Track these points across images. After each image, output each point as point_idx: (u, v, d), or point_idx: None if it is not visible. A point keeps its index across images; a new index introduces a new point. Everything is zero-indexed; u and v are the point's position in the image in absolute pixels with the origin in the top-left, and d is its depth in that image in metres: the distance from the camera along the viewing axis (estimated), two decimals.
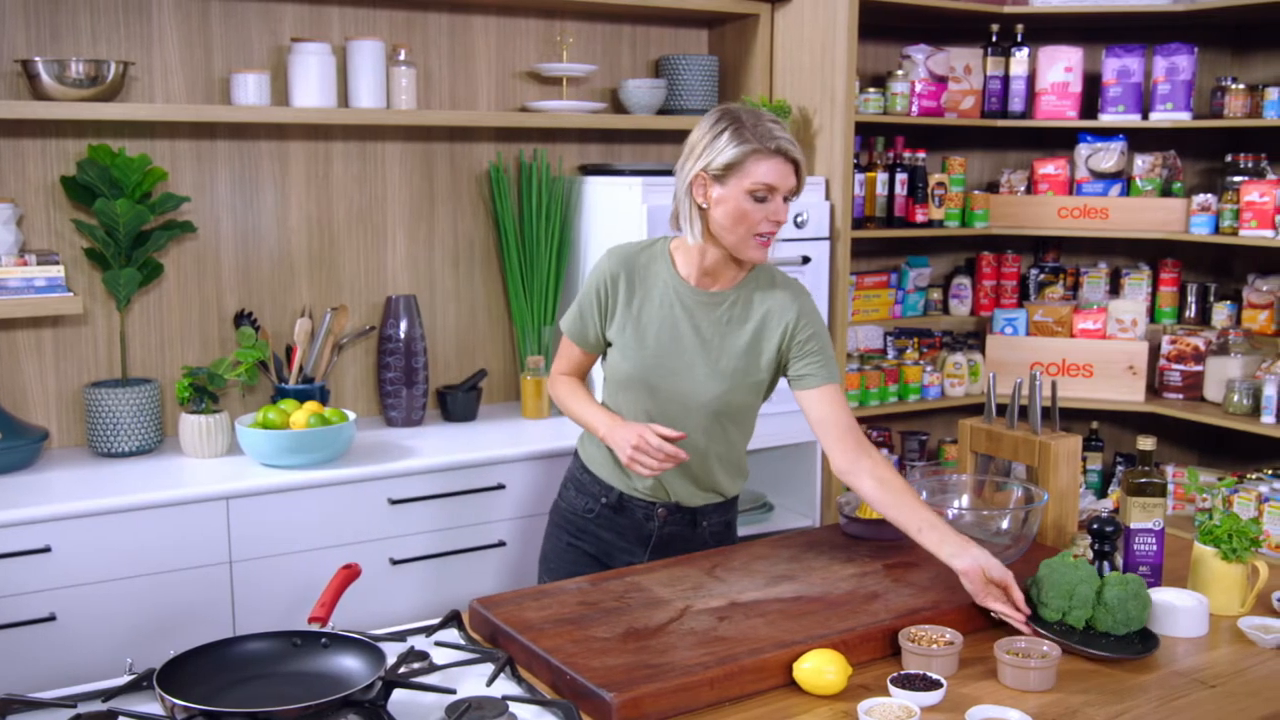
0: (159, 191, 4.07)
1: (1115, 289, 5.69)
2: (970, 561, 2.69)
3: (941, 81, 5.30)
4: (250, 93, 4.08)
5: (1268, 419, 4.82)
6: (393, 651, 2.51)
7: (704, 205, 2.95)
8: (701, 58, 4.91)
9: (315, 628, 2.46)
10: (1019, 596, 2.67)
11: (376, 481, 3.89)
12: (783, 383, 3.15)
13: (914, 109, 5.23)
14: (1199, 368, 5.19)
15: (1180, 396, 5.24)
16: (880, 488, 2.91)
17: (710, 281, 3.08)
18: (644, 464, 2.94)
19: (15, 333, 4.02)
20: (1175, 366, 5.23)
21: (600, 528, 3.24)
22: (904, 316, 5.66)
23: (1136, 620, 2.61)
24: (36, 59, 3.76)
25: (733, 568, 2.96)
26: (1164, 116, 5.30)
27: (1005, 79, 5.42)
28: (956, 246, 5.88)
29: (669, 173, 4.32)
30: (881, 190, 5.17)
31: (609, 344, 3.17)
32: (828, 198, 4.75)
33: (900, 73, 5.20)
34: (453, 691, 2.30)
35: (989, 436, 3.32)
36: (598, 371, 3.32)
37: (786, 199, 2.94)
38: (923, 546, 2.81)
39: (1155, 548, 2.91)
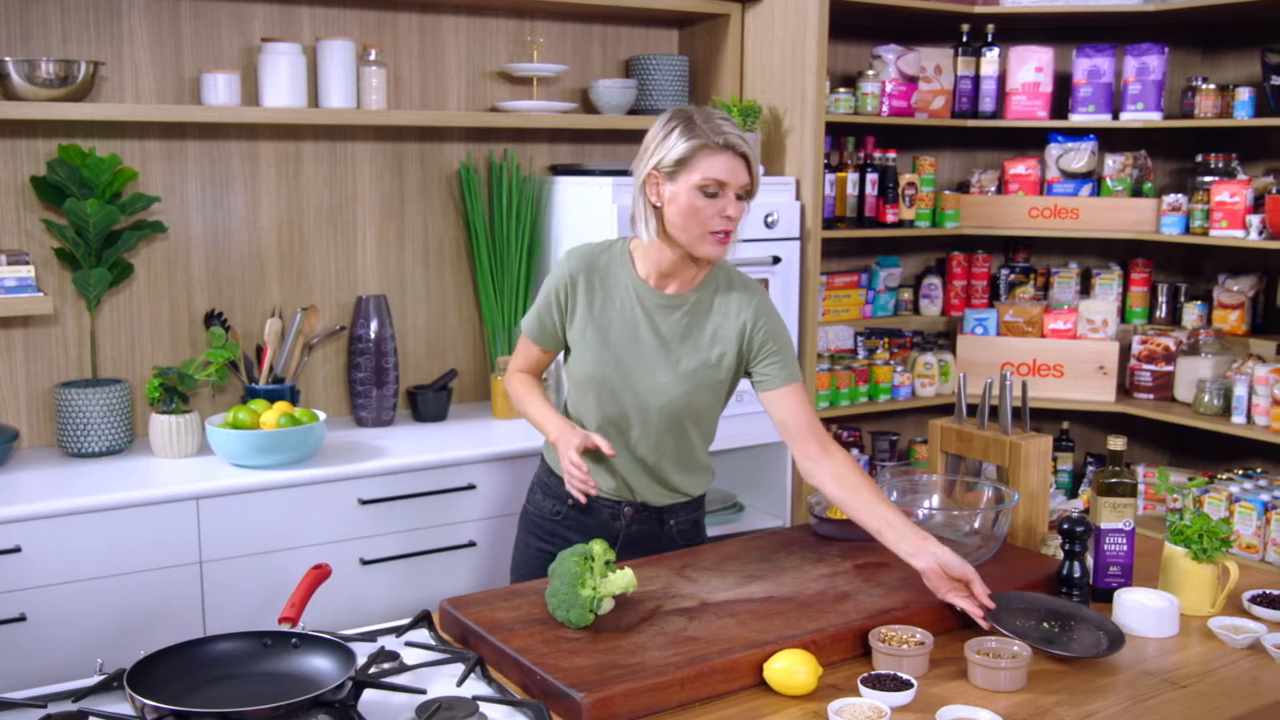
0: (129, 191, 4.05)
1: (1086, 289, 5.71)
2: (929, 559, 2.70)
3: (912, 81, 5.31)
4: (220, 93, 4.07)
5: (1238, 419, 4.84)
6: (363, 652, 2.50)
7: (657, 204, 2.94)
8: (672, 58, 4.91)
9: (285, 628, 2.46)
10: (981, 590, 2.66)
11: (347, 482, 3.88)
12: (746, 382, 3.15)
13: (884, 109, 5.24)
14: (1169, 368, 5.21)
15: (1151, 397, 5.26)
16: (840, 486, 2.92)
17: (669, 283, 3.07)
18: (572, 486, 2.97)
19: None
20: (1146, 366, 5.25)
21: (568, 529, 3.23)
22: (874, 316, 5.67)
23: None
24: (6, 59, 3.74)
25: (703, 568, 2.96)
26: (1134, 116, 5.32)
27: (976, 79, 5.44)
28: (927, 246, 5.90)
29: None
30: (852, 190, 5.18)
31: (568, 346, 3.18)
32: (798, 198, 4.76)
33: (871, 73, 5.21)
34: (423, 692, 2.29)
35: (959, 437, 3.33)
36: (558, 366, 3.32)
37: (741, 196, 2.92)
38: (884, 545, 2.83)
39: (1126, 548, 2.92)
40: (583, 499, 3.00)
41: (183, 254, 4.27)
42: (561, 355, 3.27)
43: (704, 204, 2.88)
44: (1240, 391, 4.82)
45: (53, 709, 2.26)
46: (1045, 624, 2.66)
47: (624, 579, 2.59)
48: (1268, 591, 2.88)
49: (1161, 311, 5.59)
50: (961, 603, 2.66)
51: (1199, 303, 5.41)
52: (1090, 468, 5.69)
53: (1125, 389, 5.36)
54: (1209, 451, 5.46)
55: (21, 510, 3.43)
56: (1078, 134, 5.51)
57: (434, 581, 4.04)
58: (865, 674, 2.42)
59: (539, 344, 3.22)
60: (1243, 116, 4.98)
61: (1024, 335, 5.40)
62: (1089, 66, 5.37)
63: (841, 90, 5.12)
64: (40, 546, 3.44)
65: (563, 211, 4.60)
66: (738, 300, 3.08)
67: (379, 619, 3.71)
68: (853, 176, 5.18)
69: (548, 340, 3.19)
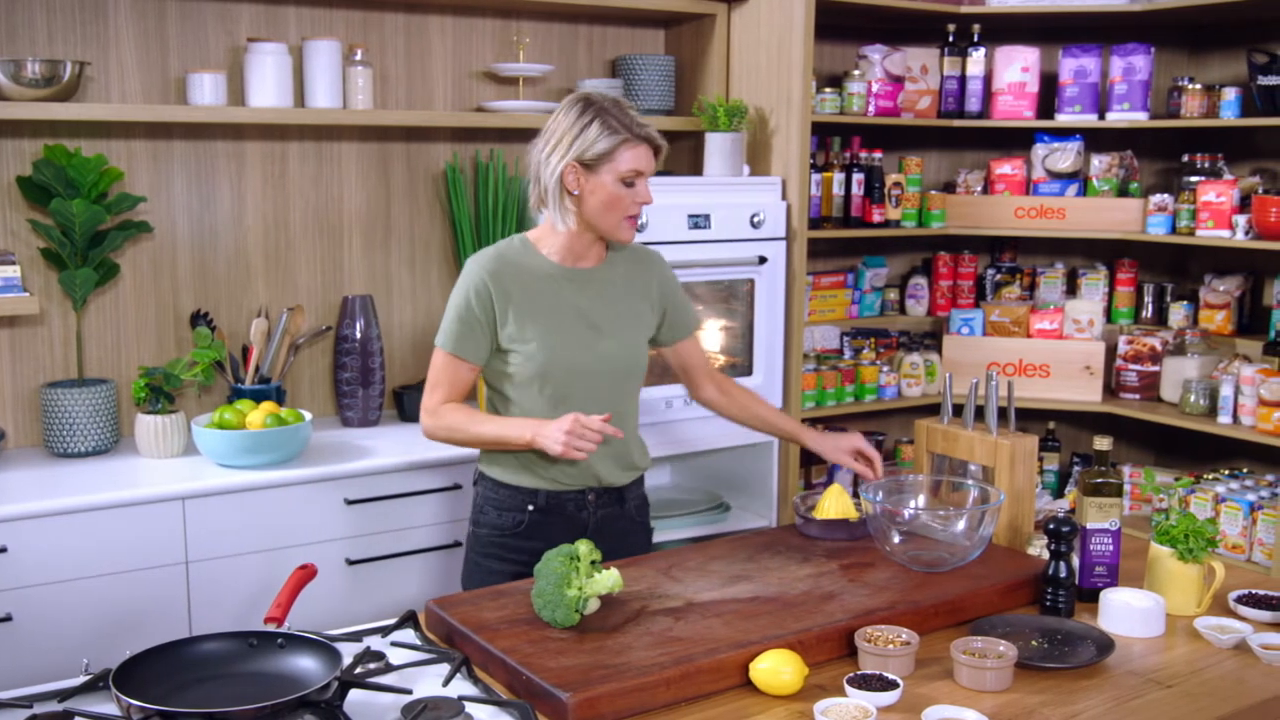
0: (115, 191, 4.04)
1: (1072, 289, 5.72)
2: (830, 445, 3.46)
3: (898, 81, 5.31)
4: (206, 93, 4.06)
5: (1224, 419, 4.84)
6: (349, 652, 2.50)
7: (576, 193, 3.10)
8: (658, 58, 4.91)
9: (271, 628, 2.46)
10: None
11: (333, 482, 3.88)
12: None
13: (870, 109, 5.24)
14: (1155, 368, 5.22)
15: (1137, 397, 5.26)
16: (722, 395, 3.53)
17: (582, 260, 3.24)
18: (581, 446, 2.95)
19: None
20: (1132, 367, 5.26)
21: (530, 539, 3.17)
22: (861, 317, 5.67)
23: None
24: None
25: (689, 568, 2.96)
26: (1121, 116, 5.33)
27: (962, 79, 5.44)
28: (913, 247, 5.90)
29: None
30: (838, 190, 5.18)
31: (502, 350, 3.16)
32: (784, 198, 4.76)
33: (857, 73, 5.20)
34: (409, 692, 2.30)
35: (945, 437, 3.33)
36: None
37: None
38: (782, 432, 3.61)
39: (1112, 548, 2.92)
40: (600, 440, 2.99)
41: (168, 254, 4.26)
42: (484, 375, 3.26)
43: (625, 193, 3.11)
44: (1226, 391, 4.83)
45: (38, 709, 2.26)
46: (1034, 642, 2.65)
47: (610, 579, 2.59)
48: (1253, 591, 2.89)
49: (1147, 311, 5.60)
50: (858, 467, 3.41)
51: (1185, 303, 5.42)
52: (1076, 468, 5.69)
53: (1111, 389, 5.36)
54: (1195, 451, 5.47)
55: (7, 510, 3.42)
56: (1064, 134, 5.52)
57: (420, 581, 4.04)
58: (851, 674, 2.43)
59: (468, 358, 3.15)
60: (1229, 116, 4.99)
61: (1010, 335, 5.40)
62: (1075, 66, 5.38)
63: (827, 90, 5.12)
64: (26, 546, 3.44)
65: None
66: (644, 263, 3.37)
67: (365, 619, 3.71)
68: (839, 176, 5.18)
69: (477, 350, 3.15)
